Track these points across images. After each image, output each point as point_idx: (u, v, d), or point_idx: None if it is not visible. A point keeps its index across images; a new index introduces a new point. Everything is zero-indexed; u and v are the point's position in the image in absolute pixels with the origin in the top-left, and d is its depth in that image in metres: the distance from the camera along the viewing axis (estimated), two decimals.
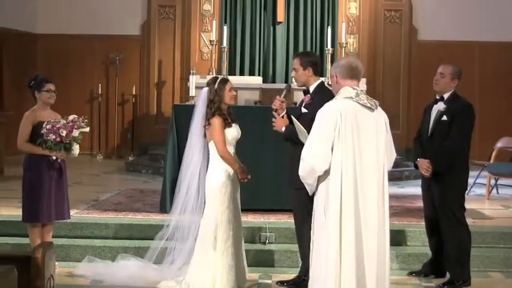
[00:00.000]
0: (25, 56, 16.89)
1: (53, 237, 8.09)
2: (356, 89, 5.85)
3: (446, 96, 7.73)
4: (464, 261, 7.64)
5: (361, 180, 5.67)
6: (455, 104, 7.65)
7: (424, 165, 7.65)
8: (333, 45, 15.60)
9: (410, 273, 8.11)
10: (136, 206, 10.13)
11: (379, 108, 5.89)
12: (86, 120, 7.82)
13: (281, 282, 7.65)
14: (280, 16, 16.60)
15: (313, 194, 5.87)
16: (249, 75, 16.55)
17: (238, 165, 7.26)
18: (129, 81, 17.19)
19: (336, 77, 5.97)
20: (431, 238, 7.94)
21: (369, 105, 5.79)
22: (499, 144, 12.07)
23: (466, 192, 7.92)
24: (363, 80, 14.71)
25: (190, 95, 14.31)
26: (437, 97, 7.80)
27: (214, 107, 7.22)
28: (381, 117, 5.87)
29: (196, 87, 13.76)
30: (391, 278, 6.19)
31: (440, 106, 7.69)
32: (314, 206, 5.91)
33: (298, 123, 6.75)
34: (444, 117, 7.63)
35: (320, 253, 5.76)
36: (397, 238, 8.63)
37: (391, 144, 5.94)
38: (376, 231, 5.68)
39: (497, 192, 12.13)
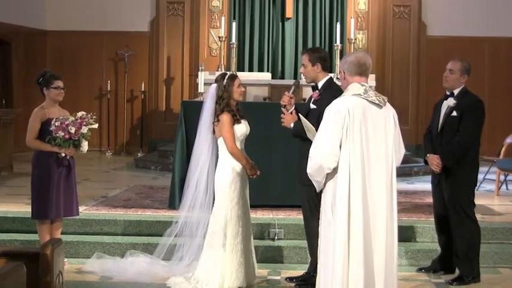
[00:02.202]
0: (34, 52, 16.96)
1: (62, 233, 8.11)
2: (364, 86, 5.80)
3: (456, 92, 7.70)
4: (474, 257, 7.63)
5: (369, 178, 5.65)
6: (465, 100, 7.62)
7: (434, 161, 7.63)
8: (341, 41, 15.65)
9: (420, 270, 8.09)
10: (145, 203, 10.12)
11: (387, 104, 5.85)
12: (94, 117, 7.79)
13: (290, 279, 7.64)
14: (289, 12, 16.66)
15: (321, 190, 5.86)
16: (258, 71, 16.63)
17: (247, 161, 7.27)
18: (138, 78, 17.25)
19: (344, 73, 5.93)
20: (441, 234, 7.93)
21: (377, 101, 5.74)
22: (508, 140, 12.03)
23: (476, 188, 7.91)
24: (372, 76, 14.77)
25: (199, 91, 14.34)
26: (448, 93, 7.77)
27: (223, 103, 7.22)
28: (389, 114, 5.83)
29: (205, 84, 13.77)
30: (400, 274, 6.21)
31: (450, 102, 7.66)
32: (322, 203, 5.88)
33: (306, 121, 6.73)
34: (454, 113, 7.61)
35: (327, 250, 5.75)
36: (406, 234, 8.62)
37: (400, 140, 5.91)
38: (384, 228, 5.66)
39: (507, 188, 12.09)
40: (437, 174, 7.73)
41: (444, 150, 7.60)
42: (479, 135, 7.71)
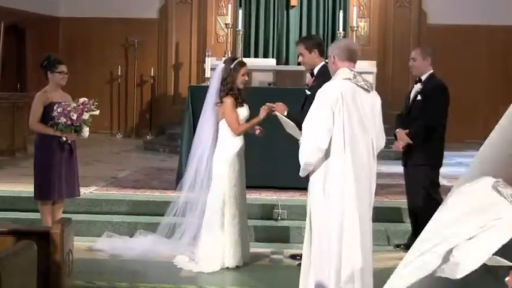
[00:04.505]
0: (47, 38, 17.24)
1: (73, 213, 8.31)
2: (353, 71, 5.92)
3: (424, 77, 8.08)
4: None
5: (356, 158, 5.75)
6: (430, 84, 8.00)
7: (402, 135, 7.93)
8: (344, 29, 15.86)
9: (397, 246, 8.38)
10: (153, 184, 10.39)
11: (374, 90, 6.01)
12: (96, 103, 7.82)
13: (293, 256, 7.90)
14: (294, 0, 16.91)
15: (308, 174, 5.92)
16: (263, 57, 16.86)
17: (252, 123, 7.48)
18: (148, 63, 17.55)
19: (334, 58, 6.01)
20: (411, 215, 8.18)
21: (365, 86, 5.87)
22: None
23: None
24: (373, 63, 15.01)
25: (206, 76, 14.60)
26: (417, 79, 8.19)
27: (227, 87, 7.40)
28: (376, 99, 5.97)
29: (212, 69, 13.90)
30: (384, 255, 6.33)
31: (417, 87, 8.09)
32: (310, 185, 5.93)
33: (283, 117, 6.90)
34: (419, 97, 8.01)
35: (321, 231, 5.84)
36: (393, 215, 8.89)
37: (381, 129, 6.02)
38: (367, 207, 5.86)
39: None
40: (403, 156, 8.10)
41: (411, 128, 7.91)
42: (443, 118, 8.02)
